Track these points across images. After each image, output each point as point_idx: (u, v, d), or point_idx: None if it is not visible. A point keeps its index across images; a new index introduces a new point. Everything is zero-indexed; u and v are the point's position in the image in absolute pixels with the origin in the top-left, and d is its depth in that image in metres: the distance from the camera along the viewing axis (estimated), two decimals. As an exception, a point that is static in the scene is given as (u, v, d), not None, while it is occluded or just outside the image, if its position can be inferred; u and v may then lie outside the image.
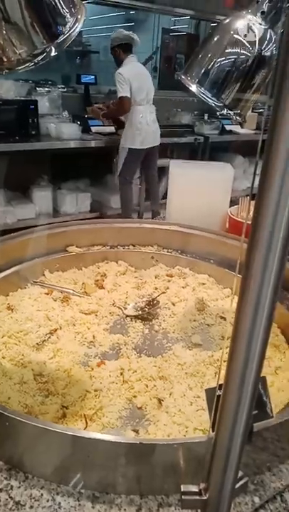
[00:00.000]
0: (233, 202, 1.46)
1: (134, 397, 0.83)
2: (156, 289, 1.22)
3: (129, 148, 3.36)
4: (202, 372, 0.87)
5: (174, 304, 1.15)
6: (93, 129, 3.66)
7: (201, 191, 1.31)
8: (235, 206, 1.36)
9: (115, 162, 3.55)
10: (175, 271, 1.27)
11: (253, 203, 1.38)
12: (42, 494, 0.56)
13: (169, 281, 1.25)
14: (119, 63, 3.30)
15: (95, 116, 3.67)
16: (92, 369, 0.89)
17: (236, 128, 4.05)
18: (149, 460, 0.56)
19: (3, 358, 0.90)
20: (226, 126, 4.02)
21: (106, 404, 0.80)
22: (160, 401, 0.80)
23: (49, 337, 0.97)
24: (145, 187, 3.70)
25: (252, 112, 4.43)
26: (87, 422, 0.75)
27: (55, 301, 1.11)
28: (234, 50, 0.71)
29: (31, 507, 0.55)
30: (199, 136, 3.82)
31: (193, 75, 0.73)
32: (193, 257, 1.29)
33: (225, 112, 0.75)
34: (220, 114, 4.31)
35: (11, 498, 0.56)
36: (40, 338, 0.96)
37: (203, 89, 0.73)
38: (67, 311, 1.07)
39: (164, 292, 1.18)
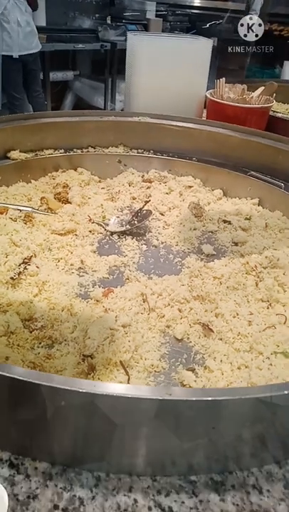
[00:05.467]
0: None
1: (168, 327, 0.62)
2: (134, 198, 0.98)
3: (2, 56, 2.73)
4: (243, 284, 0.69)
5: (162, 214, 0.93)
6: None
7: (171, 70, 1.03)
8: (212, 89, 1.12)
9: None
10: (152, 175, 1.03)
11: (228, 84, 1.15)
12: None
13: (148, 187, 1.01)
14: None
15: None
16: (98, 301, 0.66)
17: (143, 34, 3.65)
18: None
19: None
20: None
21: (140, 343, 0.58)
22: (208, 327, 0.61)
23: (25, 268, 0.69)
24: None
25: (155, 16, 4.05)
26: (127, 372, 0.53)
27: (15, 221, 0.81)
28: None
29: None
30: (105, 42, 3.37)
31: None
32: (171, 156, 1.06)
33: None
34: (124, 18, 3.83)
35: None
36: (13, 270, 0.68)
37: None
38: (36, 233, 0.79)
39: (148, 201, 0.94)
